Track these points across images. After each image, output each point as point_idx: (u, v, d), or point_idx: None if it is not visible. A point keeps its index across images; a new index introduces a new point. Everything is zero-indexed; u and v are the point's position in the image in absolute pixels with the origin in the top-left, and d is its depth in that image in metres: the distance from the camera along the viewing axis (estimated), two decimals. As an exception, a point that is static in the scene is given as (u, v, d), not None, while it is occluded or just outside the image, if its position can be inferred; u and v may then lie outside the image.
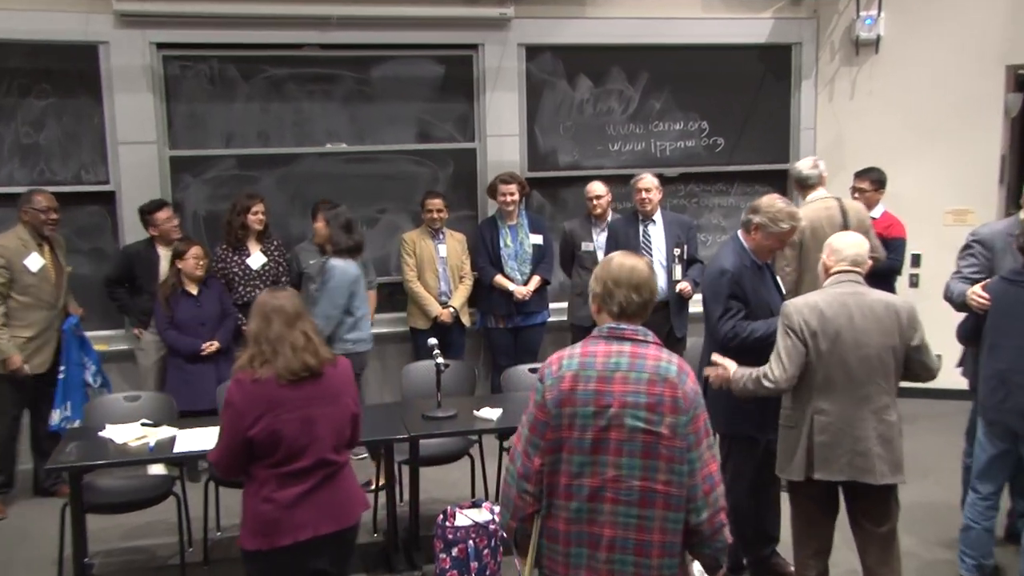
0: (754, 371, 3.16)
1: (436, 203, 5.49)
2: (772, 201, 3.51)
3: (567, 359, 2.17)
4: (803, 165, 4.79)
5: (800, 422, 3.15)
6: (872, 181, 5.40)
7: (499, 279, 5.52)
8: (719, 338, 3.48)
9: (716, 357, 3.37)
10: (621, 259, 2.26)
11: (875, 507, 3.16)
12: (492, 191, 5.60)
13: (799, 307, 3.11)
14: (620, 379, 2.12)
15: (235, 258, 5.17)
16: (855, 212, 4.69)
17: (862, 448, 3.06)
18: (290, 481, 2.63)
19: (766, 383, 3.11)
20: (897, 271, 5.32)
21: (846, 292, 3.10)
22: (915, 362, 3.12)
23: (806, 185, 4.76)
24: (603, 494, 2.11)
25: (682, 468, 2.10)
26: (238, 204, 5.15)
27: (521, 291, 5.48)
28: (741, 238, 3.58)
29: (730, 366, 3.29)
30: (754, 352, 3.30)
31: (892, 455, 3.08)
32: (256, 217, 5.15)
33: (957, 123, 6.11)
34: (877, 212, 5.35)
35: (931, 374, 3.18)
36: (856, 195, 5.35)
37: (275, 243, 5.32)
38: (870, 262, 3.26)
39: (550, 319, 5.76)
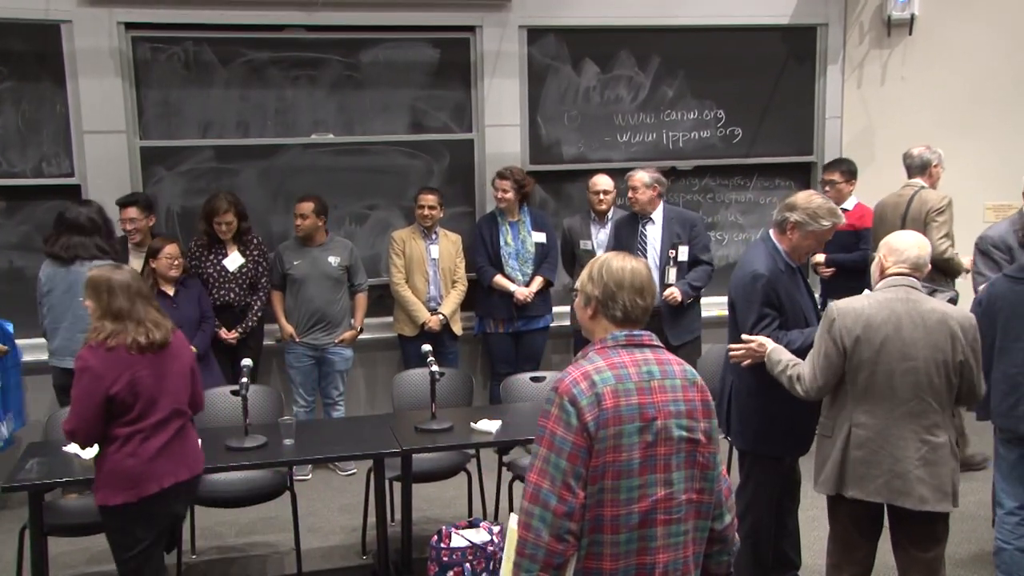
0: (791, 366, 3.20)
1: (429, 199, 5.43)
2: (809, 197, 3.49)
3: (596, 374, 2.09)
4: (913, 150, 5.06)
5: (836, 432, 3.14)
6: (843, 172, 5.46)
7: (499, 279, 5.49)
8: None
9: (747, 336, 3.40)
10: (620, 260, 2.24)
11: (921, 531, 3.13)
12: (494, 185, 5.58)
13: (843, 311, 3.08)
14: (658, 388, 2.12)
15: (210, 257, 5.14)
16: (919, 205, 4.73)
17: (900, 469, 3.02)
18: (151, 435, 3.07)
19: (798, 387, 3.17)
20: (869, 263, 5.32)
21: (898, 298, 3.06)
22: (963, 380, 3.05)
23: (910, 173, 5.04)
24: (654, 517, 2.08)
25: (713, 474, 2.17)
26: (205, 207, 5.12)
27: (522, 292, 5.45)
28: (774, 238, 3.54)
29: (767, 344, 3.32)
30: None
31: (937, 480, 3.02)
32: (220, 228, 5.08)
33: (999, 111, 6.10)
34: (850, 204, 5.41)
35: (977, 397, 3.13)
36: (827, 188, 5.41)
37: (255, 241, 5.29)
38: (929, 266, 3.22)
39: (553, 324, 5.73)
